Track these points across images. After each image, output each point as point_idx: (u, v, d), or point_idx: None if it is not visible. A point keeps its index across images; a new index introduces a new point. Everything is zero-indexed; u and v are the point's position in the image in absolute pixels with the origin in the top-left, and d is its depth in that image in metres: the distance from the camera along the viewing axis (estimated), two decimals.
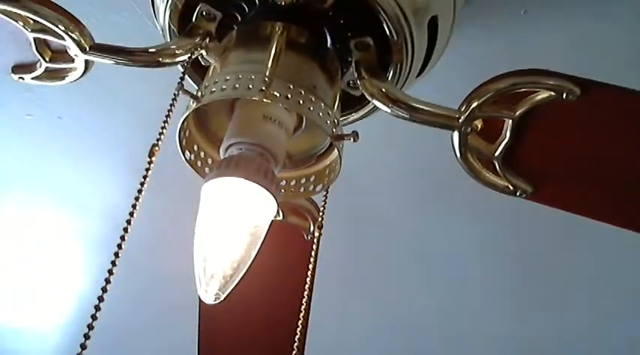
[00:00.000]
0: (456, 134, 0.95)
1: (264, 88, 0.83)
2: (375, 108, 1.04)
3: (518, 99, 0.91)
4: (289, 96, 0.85)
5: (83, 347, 0.67)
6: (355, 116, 1.08)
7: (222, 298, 0.86)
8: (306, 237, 1.23)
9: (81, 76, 1.00)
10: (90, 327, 0.70)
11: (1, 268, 2.21)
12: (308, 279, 0.93)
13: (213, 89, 0.85)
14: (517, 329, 2.15)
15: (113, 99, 1.56)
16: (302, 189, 1.03)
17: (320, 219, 0.96)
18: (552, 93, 0.88)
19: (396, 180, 1.69)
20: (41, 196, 1.87)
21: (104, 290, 0.70)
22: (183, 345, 1.67)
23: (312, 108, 0.86)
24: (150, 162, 0.78)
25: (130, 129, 1.64)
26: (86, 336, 0.68)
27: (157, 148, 0.80)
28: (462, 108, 0.93)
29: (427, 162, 1.63)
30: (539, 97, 0.90)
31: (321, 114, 0.87)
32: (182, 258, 1.96)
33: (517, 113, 0.92)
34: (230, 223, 0.87)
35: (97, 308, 0.69)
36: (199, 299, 1.28)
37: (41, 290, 2.31)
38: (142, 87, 1.52)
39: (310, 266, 0.95)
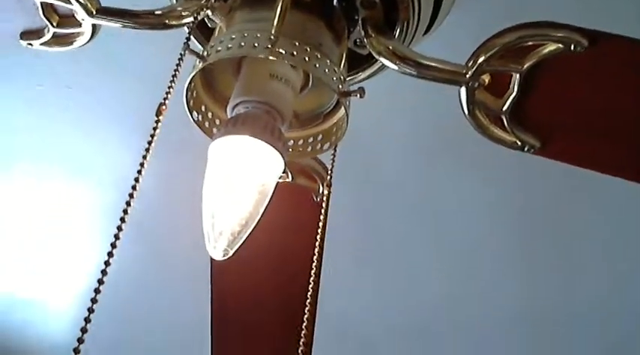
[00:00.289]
0: (463, 89, 0.95)
1: (269, 46, 0.84)
2: (383, 66, 1.04)
3: (525, 53, 0.90)
4: (295, 53, 0.85)
5: (94, 301, 0.68)
6: (362, 75, 1.08)
7: (230, 254, 0.88)
8: (315, 197, 1.24)
9: (88, 41, 1.00)
10: (97, 290, 0.70)
11: (13, 239, 2.24)
12: (319, 236, 0.94)
13: (219, 48, 0.86)
14: (527, 291, 2.15)
15: (121, 68, 1.57)
16: (310, 148, 1.03)
17: (329, 177, 0.97)
18: (560, 45, 0.88)
19: (403, 139, 1.69)
20: (52, 167, 1.88)
21: (110, 254, 0.71)
22: (195, 305, 1.69)
23: (318, 66, 0.86)
24: (157, 122, 0.78)
25: (139, 98, 1.64)
26: (94, 299, 0.69)
27: (164, 107, 0.80)
28: (469, 64, 0.92)
29: (435, 121, 1.62)
30: (546, 50, 0.90)
31: (327, 70, 0.87)
32: (192, 220, 1.99)
33: (524, 67, 0.91)
34: (237, 180, 0.88)
35: (104, 272, 0.70)
36: (210, 258, 1.30)
37: (54, 261, 2.34)
38: (150, 54, 1.53)
39: (320, 223, 0.96)
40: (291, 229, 1.28)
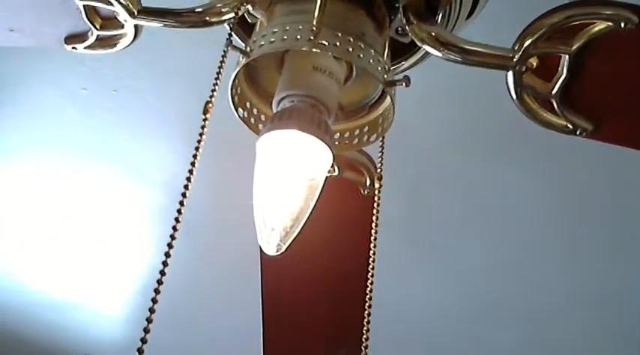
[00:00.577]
0: (510, 74, 0.93)
1: (312, 38, 0.83)
2: (426, 55, 1.02)
3: (573, 33, 0.88)
4: (338, 44, 0.84)
5: (152, 310, 0.68)
6: (406, 64, 1.06)
7: (283, 249, 0.87)
8: (363, 191, 1.23)
9: (131, 42, 1.00)
10: (157, 290, 0.71)
11: (63, 241, 2.28)
12: (373, 231, 0.93)
13: (262, 43, 0.85)
14: (578, 278, 2.12)
15: (165, 69, 1.59)
16: (356, 141, 1.02)
17: (379, 169, 0.96)
18: (609, 23, 0.85)
19: (452, 130, 1.67)
20: (101, 169, 1.92)
21: (167, 254, 0.71)
22: (245, 303, 1.69)
23: (362, 56, 0.85)
24: (205, 120, 0.78)
25: (184, 98, 1.66)
26: (154, 300, 0.69)
27: (210, 105, 0.80)
28: (516, 47, 0.90)
29: (480, 111, 1.60)
30: (595, 29, 0.87)
31: (371, 61, 0.86)
32: (239, 219, 2.00)
33: (573, 47, 0.88)
34: (287, 175, 0.88)
35: (162, 273, 0.71)
36: (260, 256, 1.30)
37: (103, 262, 2.38)
38: (191, 53, 1.54)
39: (373, 217, 0.95)
40: (339, 223, 1.27)
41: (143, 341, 0.68)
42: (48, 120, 1.75)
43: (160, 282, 0.72)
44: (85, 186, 1.99)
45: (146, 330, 0.69)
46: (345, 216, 1.29)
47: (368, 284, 1.01)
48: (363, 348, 0.98)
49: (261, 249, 1.32)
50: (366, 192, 1.23)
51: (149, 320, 0.71)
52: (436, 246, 2.06)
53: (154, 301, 0.71)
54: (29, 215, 2.15)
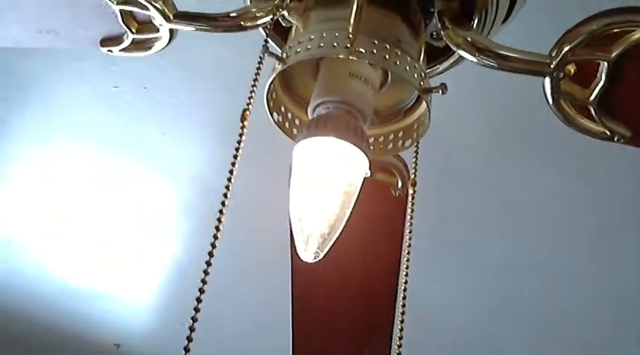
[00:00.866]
0: (547, 80, 0.91)
1: (349, 45, 0.82)
2: (460, 58, 1.01)
3: (612, 40, 0.86)
4: (375, 51, 0.83)
5: (197, 310, 0.69)
6: (440, 68, 1.06)
7: (321, 256, 0.87)
8: (394, 193, 1.22)
9: (166, 45, 1.01)
10: (202, 290, 0.71)
11: (90, 233, 2.30)
12: (406, 236, 0.92)
13: (298, 49, 0.85)
14: (599, 277, 2.11)
15: (194, 67, 1.59)
16: (391, 146, 1.02)
17: (413, 175, 0.96)
18: None
19: (477, 129, 1.66)
20: (131, 164, 1.93)
21: (211, 254, 0.72)
22: (276, 302, 1.70)
23: (398, 63, 0.85)
24: (242, 127, 0.78)
25: (212, 95, 1.67)
26: (198, 298, 0.70)
27: (247, 113, 0.80)
28: (553, 54, 0.89)
29: (508, 111, 1.59)
30: (635, 36, 0.85)
31: (407, 68, 0.86)
32: (269, 219, 2.01)
33: (613, 55, 0.87)
34: (323, 182, 0.87)
35: (206, 272, 0.71)
36: (291, 253, 1.30)
37: (130, 255, 2.40)
38: (222, 53, 1.54)
39: (407, 222, 0.95)
40: (370, 224, 1.27)
41: (189, 339, 0.69)
42: (80, 118, 1.77)
43: (201, 291, 0.72)
44: (114, 180, 2.01)
45: (191, 328, 0.70)
46: (375, 217, 1.29)
47: (401, 290, 1.00)
48: (397, 347, 0.98)
49: (291, 247, 1.33)
50: (397, 194, 1.22)
51: (194, 319, 0.71)
52: (459, 243, 2.05)
53: (196, 310, 0.71)
54: (60, 207, 2.17)
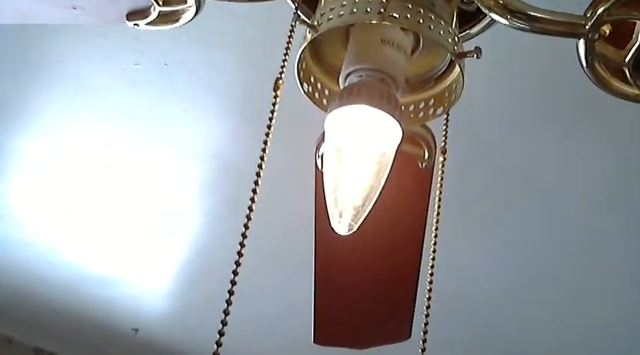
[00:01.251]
0: (581, 42, 0.90)
1: (382, 10, 0.81)
2: (491, 22, 0.99)
3: None
4: (409, 16, 0.82)
5: (231, 292, 0.68)
6: (471, 32, 1.04)
7: (355, 229, 0.86)
8: (420, 164, 1.21)
9: (193, 17, 1.00)
10: (233, 282, 0.70)
11: (112, 216, 2.30)
12: (435, 209, 0.91)
13: (330, 16, 0.83)
14: (627, 256, 2.09)
15: (215, 42, 1.58)
16: (422, 114, 1.01)
17: (443, 143, 0.94)
18: None
19: (505, 103, 1.64)
20: (152, 142, 1.92)
21: (242, 245, 0.71)
22: (298, 278, 1.69)
23: (432, 27, 0.83)
24: (275, 97, 0.77)
25: (233, 71, 1.65)
26: (231, 288, 0.69)
27: (280, 81, 0.79)
28: (588, 14, 0.87)
29: (537, 85, 1.57)
30: None
31: (442, 32, 0.84)
32: (293, 197, 2.00)
33: None
34: (357, 152, 0.86)
35: (237, 263, 0.70)
36: (315, 228, 1.30)
37: (152, 235, 2.39)
38: (243, 26, 1.52)
39: (437, 192, 0.94)
40: (396, 197, 1.26)
41: (223, 323, 0.68)
42: (101, 95, 1.76)
43: (233, 283, 0.71)
44: (133, 160, 2.00)
45: (224, 323, 0.69)
46: (401, 189, 1.27)
47: (430, 262, 1.00)
48: (424, 316, 0.97)
49: (315, 221, 1.32)
50: (424, 166, 1.21)
51: (224, 322, 0.71)
52: (486, 218, 2.04)
53: (228, 303, 0.70)
54: (78, 187, 2.17)
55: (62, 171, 2.10)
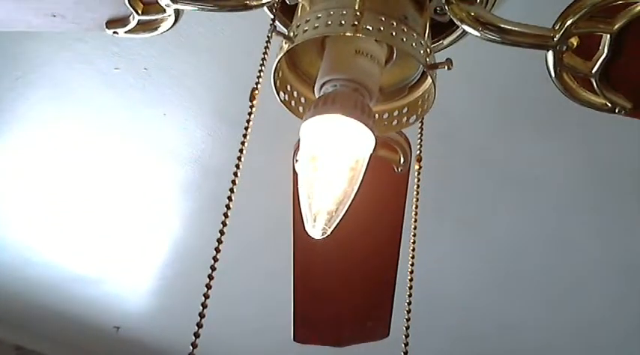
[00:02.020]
0: (550, 53, 0.92)
1: (356, 23, 0.83)
2: (464, 33, 1.02)
3: (615, 12, 0.87)
4: (382, 28, 0.84)
5: (208, 286, 0.70)
6: (444, 43, 1.07)
7: (328, 233, 0.89)
8: (396, 169, 1.23)
9: (172, 26, 1.01)
10: (210, 276, 0.72)
11: (94, 217, 2.30)
12: (412, 214, 0.94)
13: (306, 28, 0.85)
14: (607, 249, 2.12)
15: (195, 47, 1.58)
16: (395, 122, 1.03)
17: (419, 151, 0.97)
18: None
19: (484, 105, 1.66)
20: (132, 145, 1.93)
21: (217, 250, 0.73)
22: (276, 275, 1.69)
23: (405, 39, 0.86)
24: (251, 107, 0.79)
25: (213, 75, 1.66)
26: (208, 286, 0.71)
27: (256, 92, 0.81)
28: (556, 27, 0.90)
29: (511, 85, 1.60)
30: (637, 9, 0.86)
31: (414, 44, 0.87)
32: (271, 198, 2.02)
33: (615, 27, 0.88)
34: (331, 159, 0.88)
35: (213, 268, 0.72)
36: (293, 228, 1.32)
37: (134, 235, 2.40)
38: (223, 32, 1.54)
39: (414, 199, 0.96)
40: (373, 201, 1.28)
41: (194, 343, 0.70)
42: (81, 100, 1.77)
43: (210, 277, 0.73)
44: (114, 163, 2.01)
45: (198, 326, 0.71)
46: (377, 194, 1.30)
47: (409, 266, 1.02)
48: (405, 320, 1.00)
49: (293, 222, 1.34)
50: (399, 170, 1.23)
51: (200, 325, 0.72)
52: (465, 217, 2.06)
53: (206, 296, 0.72)
54: (59, 189, 2.17)
55: (43, 172, 2.10)
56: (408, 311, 0.99)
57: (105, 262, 2.61)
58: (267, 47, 0.85)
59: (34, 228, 2.42)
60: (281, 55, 0.88)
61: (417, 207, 0.98)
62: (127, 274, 2.69)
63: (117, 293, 2.82)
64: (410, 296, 1.02)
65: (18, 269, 2.69)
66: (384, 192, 1.30)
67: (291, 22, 1.00)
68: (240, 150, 0.78)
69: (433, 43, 1.06)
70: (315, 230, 0.88)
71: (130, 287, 2.78)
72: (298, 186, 0.90)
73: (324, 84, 0.90)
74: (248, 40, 1.49)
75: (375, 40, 0.91)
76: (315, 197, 0.88)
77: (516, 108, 1.66)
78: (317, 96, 0.90)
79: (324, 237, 0.89)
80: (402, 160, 1.21)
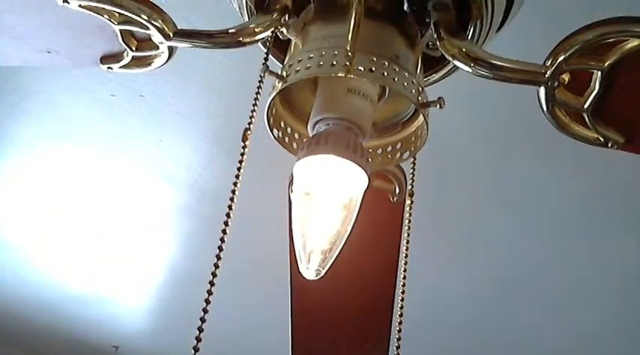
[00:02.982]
0: (542, 89, 0.93)
1: (347, 64, 0.83)
2: (456, 67, 1.02)
3: (606, 50, 0.88)
4: (373, 69, 0.84)
5: (205, 311, 0.70)
6: (436, 77, 1.07)
7: (322, 274, 0.88)
8: (392, 199, 1.23)
9: (166, 62, 1.02)
10: (210, 291, 0.72)
11: (89, 237, 2.31)
12: (403, 248, 0.94)
13: (298, 68, 0.86)
14: (599, 266, 2.13)
15: (191, 74, 1.60)
16: (389, 157, 1.03)
17: (410, 186, 0.97)
18: None
19: (478, 130, 1.67)
20: (129, 170, 1.94)
21: (216, 266, 0.73)
22: (274, 298, 1.69)
23: (396, 79, 0.86)
24: (244, 147, 0.79)
25: (209, 102, 1.67)
26: (204, 310, 0.71)
27: (249, 132, 0.81)
28: (548, 63, 0.90)
29: (510, 111, 1.60)
30: (628, 46, 0.87)
31: (405, 84, 0.87)
32: (269, 222, 2.02)
33: (606, 64, 0.88)
34: (324, 199, 0.88)
35: (212, 283, 0.73)
36: (290, 253, 1.32)
37: (128, 259, 2.41)
38: (217, 59, 1.55)
39: (404, 232, 0.96)
40: (369, 231, 1.28)
41: (197, 339, 0.70)
42: (78, 126, 1.78)
43: (209, 292, 0.73)
44: (112, 187, 2.02)
45: (200, 329, 0.71)
46: (373, 223, 1.30)
47: (399, 293, 1.02)
48: (396, 340, 0.99)
49: (290, 255, 1.34)
50: (395, 200, 1.23)
51: (199, 337, 0.73)
52: (463, 243, 2.07)
53: (205, 310, 0.72)
54: (58, 212, 2.18)
55: (41, 196, 2.11)
56: (399, 331, 0.98)
57: (104, 283, 2.61)
58: (259, 87, 0.85)
59: (33, 249, 2.42)
60: (274, 95, 0.89)
61: (408, 242, 0.98)
62: (126, 294, 2.69)
63: (116, 313, 2.83)
64: (400, 323, 1.01)
65: (17, 290, 2.69)
66: (379, 222, 1.30)
67: (285, 56, 1.01)
68: (233, 191, 0.78)
69: (426, 76, 1.06)
70: (309, 271, 0.88)
71: (129, 307, 2.79)
72: (292, 224, 0.90)
73: (317, 122, 0.90)
74: (244, 67, 1.50)
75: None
76: (308, 236, 0.88)
77: (511, 134, 1.67)
78: (310, 135, 0.90)
79: (317, 278, 0.89)
80: (397, 190, 1.21)
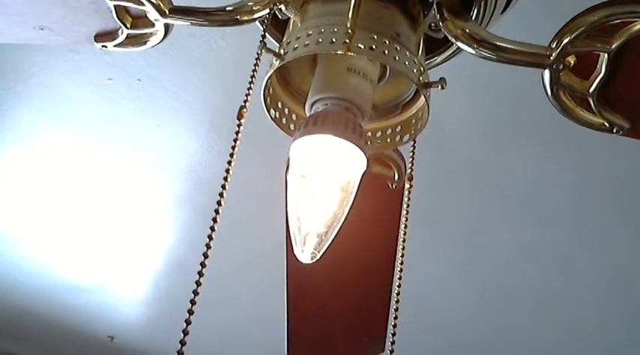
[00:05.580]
0: (547, 72, 0.90)
1: (347, 41, 0.81)
2: (459, 49, 1.00)
3: (613, 31, 0.85)
4: (374, 47, 0.82)
5: (193, 302, 0.68)
6: (438, 59, 1.04)
7: (318, 257, 0.86)
8: (391, 185, 1.21)
9: (162, 40, 0.99)
10: (198, 282, 0.71)
11: (89, 227, 2.30)
12: (401, 232, 0.92)
13: (296, 45, 0.83)
14: (601, 265, 2.11)
15: (188, 58, 1.57)
16: (389, 140, 1.01)
17: (410, 170, 0.95)
18: None
19: (477, 120, 1.65)
20: (126, 156, 1.92)
21: (205, 255, 0.71)
22: (270, 292, 1.68)
23: (397, 58, 0.83)
24: (239, 125, 0.77)
25: (206, 86, 1.65)
26: (192, 302, 0.69)
27: (244, 110, 0.79)
28: (553, 45, 0.88)
29: (509, 102, 1.58)
30: (636, 28, 0.85)
31: (407, 63, 0.84)
32: (265, 211, 2.00)
33: (613, 46, 0.86)
34: (321, 181, 0.86)
35: (200, 274, 0.70)
36: (286, 243, 1.30)
37: (125, 247, 2.39)
38: (215, 43, 1.53)
39: (402, 217, 0.94)
40: (368, 217, 1.26)
41: (182, 343, 0.68)
42: (75, 110, 1.76)
43: (198, 283, 0.71)
44: (109, 174, 2.00)
45: (187, 321, 0.69)
46: (372, 209, 1.28)
47: (396, 279, 1.00)
48: (391, 335, 0.97)
49: (287, 240, 1.32)
50: (394, 186, 1.21)
51: (187, 326, 0.71)
52: (460, 234, 2.05)
53: (192, 303, 0.71)
54: (54, 199, 2.16)
55: (37, 182, 2.09)
56: (395, 326, 0.96)
57: (99, 272, 2.60)
58: (256, 64, 0.83)
59: (28, 237, 2.41)
60: (271, 73, 0.86)
61: (406, 227, 0.96)
62: (122, 284, 2.68)
63: (111, 303, 2.81)
64: (397, 310, 0.99)
65: (12, 279, 2.68)
66: (378, 208, 1.28)
67: (282, 35, 0.98)
68: (229, 162, 0.76)
69: (427, 59, 1.04)
70: (304, 254, 0.85)
71: (125, 297, 2.78)
72: (287, 205, 0.88)
73: (314, 102, 0.87)
74: (242, 52, 1.48)
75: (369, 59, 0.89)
76: (304, 218, 0.85)
77: (511, 124, 1.65)
78: (308, 115, 0.88)
79: (313, 261, 0.86)
80: (396, 177, 1.19)
